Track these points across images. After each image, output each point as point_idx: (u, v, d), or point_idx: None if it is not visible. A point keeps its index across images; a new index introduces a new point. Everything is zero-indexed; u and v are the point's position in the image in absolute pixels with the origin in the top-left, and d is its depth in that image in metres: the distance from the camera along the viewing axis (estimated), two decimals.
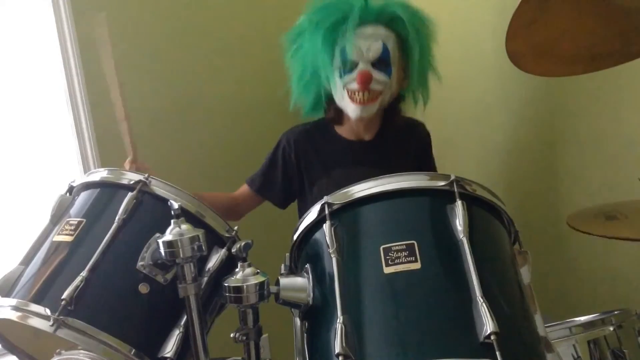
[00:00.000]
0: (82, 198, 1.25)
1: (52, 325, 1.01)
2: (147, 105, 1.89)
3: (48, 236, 1.21)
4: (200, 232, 1.02)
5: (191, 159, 2.06)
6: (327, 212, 1.08)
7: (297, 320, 1.11)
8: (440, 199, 1.06)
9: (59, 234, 1.18)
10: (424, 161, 1.73)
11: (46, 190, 1.68)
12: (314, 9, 1.55)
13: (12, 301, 1.11)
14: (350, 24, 1.49)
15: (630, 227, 1.33)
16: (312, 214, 1.12)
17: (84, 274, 1.06)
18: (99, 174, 1.26)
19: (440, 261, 1.01)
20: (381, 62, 1.52)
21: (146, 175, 1.20)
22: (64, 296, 1.03)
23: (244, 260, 1.06)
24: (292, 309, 1.11)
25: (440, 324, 0.94)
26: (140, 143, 1.52)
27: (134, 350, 1.05)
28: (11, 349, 1.27)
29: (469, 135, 2.07)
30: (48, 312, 1.03)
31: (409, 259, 0.97)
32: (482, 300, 0.91)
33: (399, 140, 1.68)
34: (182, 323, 1.09)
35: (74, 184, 1.29)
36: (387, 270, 0.97)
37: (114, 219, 1.13)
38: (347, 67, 1.52)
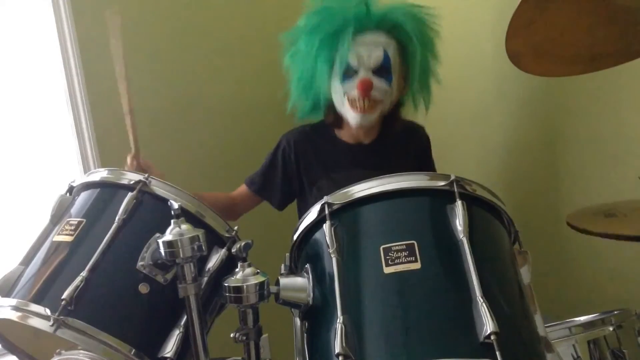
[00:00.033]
0: (82, 198, 1.25)
1: (52, 325, 1.01)
2: (147, 105, 1.89)
3: (48, 236, 1.21)
4: (200, 232, 1.02)
5: (191, 159, 2.06)
6: (327, 212, 1.08)
7: (297, 320, 1.11)
8: (440, 199, 1.07)
9: (59, 234, 1.18)
10: (423, 164, 1.73)
11: (46, 190, 1.68)
12: (314, 12, 1.55)
13: (12, 301, 1.11)
14: (351, 30, 1.48)
15: (629, 225, 1.33)
16: (312, 214, 1.12)
17: (84, 274, 1.06)
18: (99, 174, 1.26)
19: (440, 261, 1.01)
20: (382, 70, 1.52)
21: (146, 175, 1.20)
22: (64, 296, 1.03)
23: (244, 260, 1.06)
24: (292, 309, 1.11)
25: (440, 324, 0.94)
26: (141, 143, 1.53)
27: (134, 350, 1.05)
28: (11, 349, 1.27)
29: (469, 135, 2.07)
30: (48, 312, 1.03)
31: (409, 259, 0.97)
32: (482, 300, 0.91)
33: (399, 143, 1.68)
34: (182, 323, 1.09)
35: (74, 184, 1.29)
36: (387, 270, 0.97)
37: (114, 219, 1.13)
38: (348, 73, 1.52)
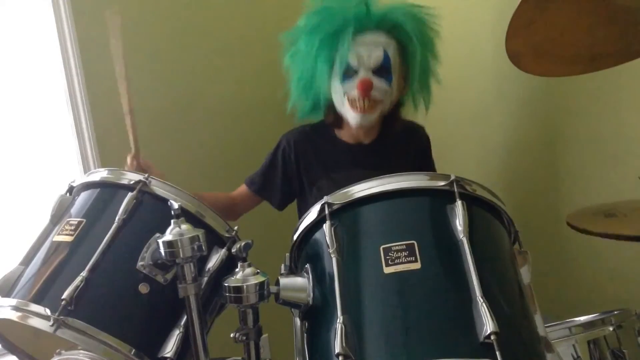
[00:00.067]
0: (82, 198, 1.25)
1: (52, 325, 1.01)
2: (147, 105, 1.89)
3: (48, 236, 1.21)
4: (200, 232, 1.02)
5: (191, 159, 2.06)
6: (327, 212, 1.08)
7: (297, 320, 1.11)
8: (440, 199, 1.07)
9: (59, 234, 1.18)
10: (423, 164, 1.73)
11: (46, 190, 1.68)
12: (314, 12, 1.55)
13: (12, 301, 1.11)
14: (351, 30, 1.48)
15: (629, 225, 1.33)
16: (312, 214, 1.12)
17: (84, 274, 1.06)
18: (99, 174, 1.26)
19: (440, 261, 1.01)
20: (382, 70, 1.52)
21: (146, 175, 1.20)
22: (64, 296, 1.03)
23: (244, 260, 1.06)
24: (292, 309, 1.11)
25: (440, 324, 0.94)
26: (140, 143, 1.53)
27: (134, 350, 1.05)
28: (11, 349, 1.27)
29: (469, 135, 2.07)
30: (48, 312, 1.03)
31: (409, 259, 0.97)
32: (482, 300, 0.91)
33: (399, 143, 1.68)
34: (182, 323, 1.09)
35: (74, 184, 1.29)
36: (387, 270, 0.97)
37: (114, 219, 1.13)
38: (348, 73, 1.52)
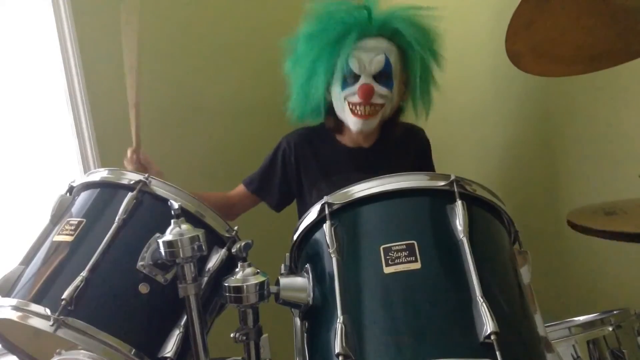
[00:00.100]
0: (82, 198, 1.25)
1: (52, 325, 1.01)
2: (147, 105, 1.88)
3: (48, 236, 1.21)
4: (200, 232, 1.03)
5: (191, 159, 2.06)
6: (327, 212, 1.08)
7: (297, 320, 1.11)
8: (440, 199, 1.07)
9: (59, 234, 1.18)
10: (423, 167, 1.73)
11: (46, 190, 1.68)
12: (315, 18, 1.55)
13: (13, 301, 1.11)
14: (353, 36, 1.48)
15: (629, 222, 1.33)
16: (312, 214, 1.12)
17: (84, 274, 1.06)
18: (99, 174, 1.26)
19: (440, 261, 1.01)
20: (383, 75, 1.52)
21: (146, 175, 1.20)
22: (64, 296, 1.03)
23: (244, 260, 1.06)
24: (292, 309, 1.11)
25: (441, 324, 0.94)
26: (141, 142, 1.52)
27: (134, 350, 1.05)
28: (11, 349, 1.27)
29: (469, 135, 2.07)
30: (48, 312, 1.03)
31: (409, 259, 0.97)
32: (482, 300, 0.91)
33: (398, 147, 1.68)
34: (182, 323, 1.09)
35: (74, 184, 1.29)
36: (387, 270, 0.97)
37: (114, 219, 1.13)
38: (349, 79, 1.52)
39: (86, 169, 1.83)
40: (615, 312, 1.33)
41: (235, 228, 1.23)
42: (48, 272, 1.13)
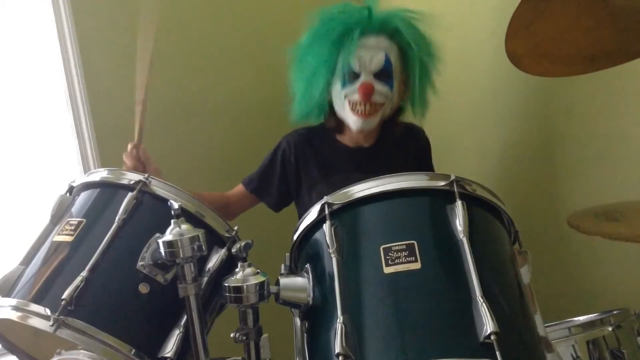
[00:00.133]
0: (82, 198, 1.25)
1: (52, 325, 1.01)
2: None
3: (48, 236, 1.21)
4: (200, 232, 1.03)
5: (191, 159, 2.06)
6: (327, 212, 1.08)
7: (297, 320, 1.11)
8: (440, 199, 1.07)
9: (59, 234, 1.18)
10: (423, 167, 1.73)
11: (46, 190, 1.68)
12: (318, 19, 1.55)
13: (13, 301, 1.11)
14: (354, 34, 1.48)
15: (630, 228, 1.33)
16: (312, 214, 1.12)
17: (84, 274, 1.06)
18: (99, 174, 1.26)
19: (440, 261, 1.01)
20: (383, 74, 1.52)
21: (146, 175, 1.20)
22: (64, 296, 1.03)
23: (244, 260, 1.06)
24: (292, 309, 1.11)
25: (440, 324, 0.94)
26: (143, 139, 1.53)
27: (134, 350, 1.05)
28: (11, 349, 1.27)
29: (469, 136, 2.07)
30: (48, 312, 1.03)
31: (409, 259, 0.97)
32: (482, 300, 0.91)
33: (398, 147, 1.68)
34: (182, 323, 1.09)
35: (74, 184, 1.29)
36: (387, 270, 0.98)
37: (114, 219, 1.13)
38: (349, 77, 1.52)
39: (86, 169, 1.84)
40: (615, 312, 1.33)
41: (235, 228, 1.23)
42: (48, 272, 1.13)
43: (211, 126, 2.10)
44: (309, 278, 1.08)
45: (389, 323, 0.96)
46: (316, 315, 1.05)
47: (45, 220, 1.25)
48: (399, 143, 1.68)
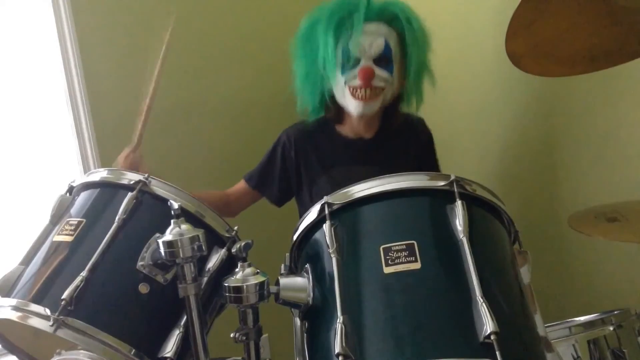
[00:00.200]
0: (82, 198, 1.25)
1: (52, 325, 1.01)
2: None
3: (48, 236, 1.21)
4: (200, 232, 1.03)
5: (191, 159, 2.06)
6: (327, 212, 1.08)
7: (297, 320, 1.11)
8: (440, 199, 1.07)
9: (59, 234, 1.18)
10: (425, 157, 1.73)
11: (46, 190, 1.68)
12: (319, 9, 1.56)
13: (12, 301, 1.11)
14: (354, 20, 1.50)
15: (631, 229, 1.33)
16: (312, 214, 1.12)
17: (84, 274, 1.06)
18: (99, 174, 1.26)
19: (440, 261, 1.01)
20: (383, 59, 1.52)
21: (146, 175, 1.20)
22: (64, 296, 1.03)
23: (244, 260, 1.06)
24: (292, 309, 1.11)
25: (440, 324, 0.94)
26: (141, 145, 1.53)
27: (134, 350, 1.05)
28: (11, 349, 1.27)
29: (469, 136, 2.07)
30: (48, 312, 1.03)
31: (409, 259, 0.97)
32: (482, 300, 0.91)
33: (400, 137, 1.68)
34: (182, 323, 1.09)
35: (74, 184, 1.29)
36: (387, 270, 0.97)
37: (114, 219, 1.13)
38: (349, 63, 1.53)
39: (86, 169, 1.84)
40: (615, 312, 1.33)
41: (235, 228, 1.23)
42: (48, 272, 1.12)
43: (211, 126, 2.10)
44: (308, 278, 1.08)
45: (389, 323, 0.96)
46: (316, 315, 1.05)
47: (45, 220, 1.25)
48: (400, 134, 1.68)
